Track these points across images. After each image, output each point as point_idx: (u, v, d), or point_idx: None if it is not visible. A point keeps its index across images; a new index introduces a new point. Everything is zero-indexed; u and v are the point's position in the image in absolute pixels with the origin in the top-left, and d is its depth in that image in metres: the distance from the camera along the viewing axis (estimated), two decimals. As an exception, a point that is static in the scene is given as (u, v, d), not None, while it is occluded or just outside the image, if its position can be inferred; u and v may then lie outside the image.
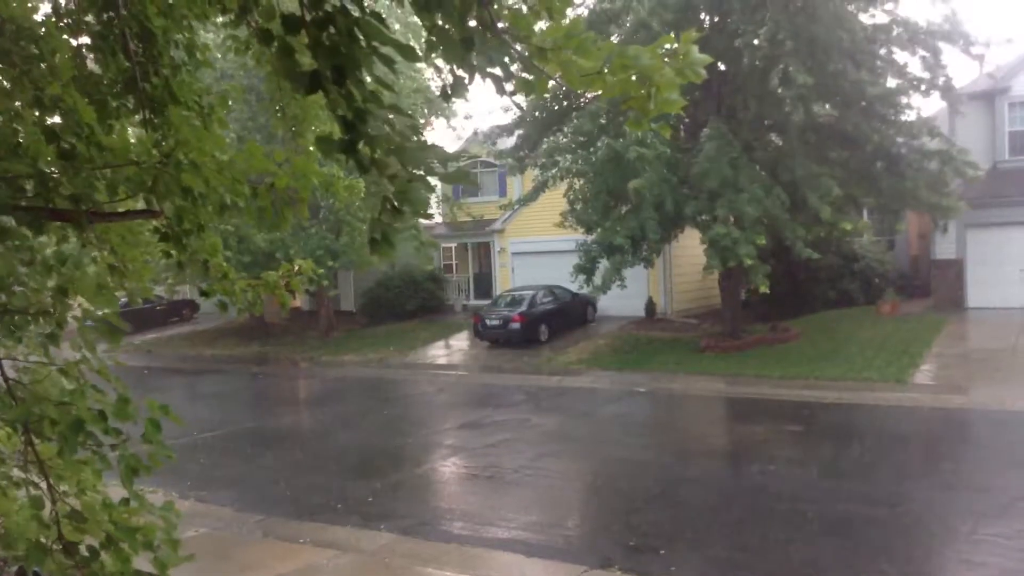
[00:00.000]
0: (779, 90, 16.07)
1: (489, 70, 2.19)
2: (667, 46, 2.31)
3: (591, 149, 17.93)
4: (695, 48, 2.31)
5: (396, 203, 2.14)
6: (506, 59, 2.21)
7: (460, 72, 2.21)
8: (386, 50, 2.11)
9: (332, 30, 2.01)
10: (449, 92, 2.28)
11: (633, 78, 2.26)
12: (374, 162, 2.08)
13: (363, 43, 2.04)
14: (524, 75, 2.33)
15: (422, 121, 27.50)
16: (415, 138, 2.16)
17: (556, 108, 21.23)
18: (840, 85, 16.54)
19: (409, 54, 2.17)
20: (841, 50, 16.22)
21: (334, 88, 2.01)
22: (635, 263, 19.38)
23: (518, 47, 2.24)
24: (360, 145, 2.06)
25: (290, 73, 2.08)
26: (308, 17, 2.01)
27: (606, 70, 2.27)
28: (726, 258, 17.00)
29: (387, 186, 2.10)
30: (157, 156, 3.05)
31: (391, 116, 2.13)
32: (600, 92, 2.37)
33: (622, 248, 18.05)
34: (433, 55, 2.21)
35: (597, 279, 18.75)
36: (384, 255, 2.28)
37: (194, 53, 3.65)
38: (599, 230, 18.64)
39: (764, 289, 17.29)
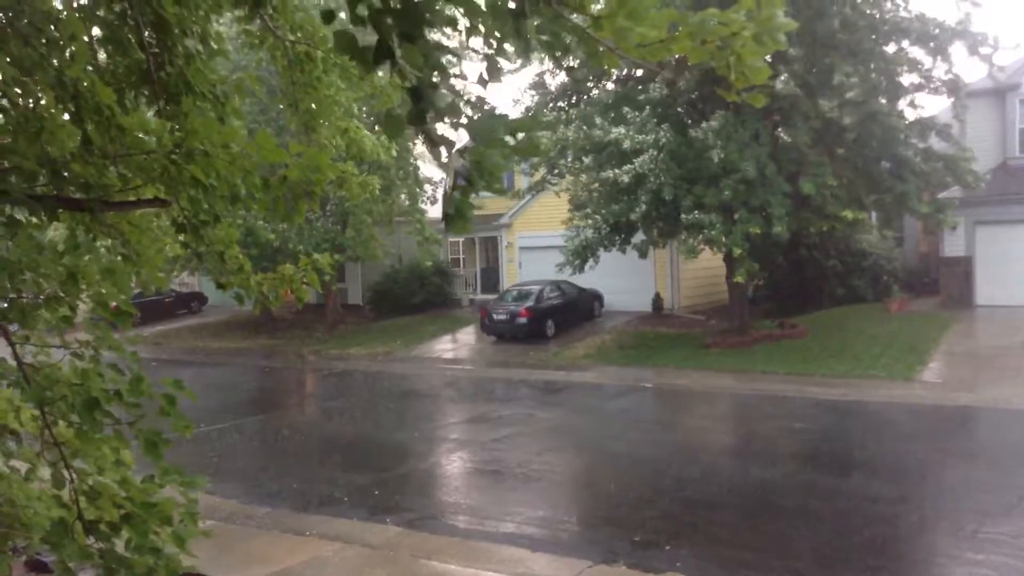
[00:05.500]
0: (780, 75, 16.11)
1: (544, 39, 2.09)
2: (747, 10, 2.13)
3: (591, 127, 18.21)
4: (779, 12, 2.10)
5: (468, 177, 2.08)
6: (559, 30, 2.11)
7: (510, 48, 2.10)
8: (451, 10, 2.04)
9: None
10: (486, 77, 2.21)
11: (717, 44, 2.11)
12: (442, 135, 2.03)
13: (427, 3, 1.97)
14: (584, 48, 2.20)
15: None
16: (483, 108, 2.11)
17: (564, 106, 21.22)
18: (835, 81, 16.48)
19: (473, 9, 2.08)
20: (843, 50, 16.17)
21: (406, 48, 1.93)
22: (614, 248, 19.66)
23: (573, 18, 2.13)
24: (428, 117, 2.00)
25: (353, 49, 2.01)
26: None
27: (669, 39, 2.11)
28: (708, 238, 17.67)
29: (457, 159, 2.05)
30: (169, 145, 3.06)
31: (461, 85, 2.07)
32: (664, 62, 2.26)
33: (600, 232, 18.73)
34: (472, 37, 2.13)
35: (573, 259, 19.09)
36: (459, 231, 2.22)
37: (208, 42, 3.65)
38: (587, 210, 19.08)
39: (739, 279, 17.93)
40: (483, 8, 2.10)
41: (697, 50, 2.16)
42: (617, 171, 17.55)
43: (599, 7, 2.14)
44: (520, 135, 2.11)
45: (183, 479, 3.07)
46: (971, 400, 13.96)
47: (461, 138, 2.19)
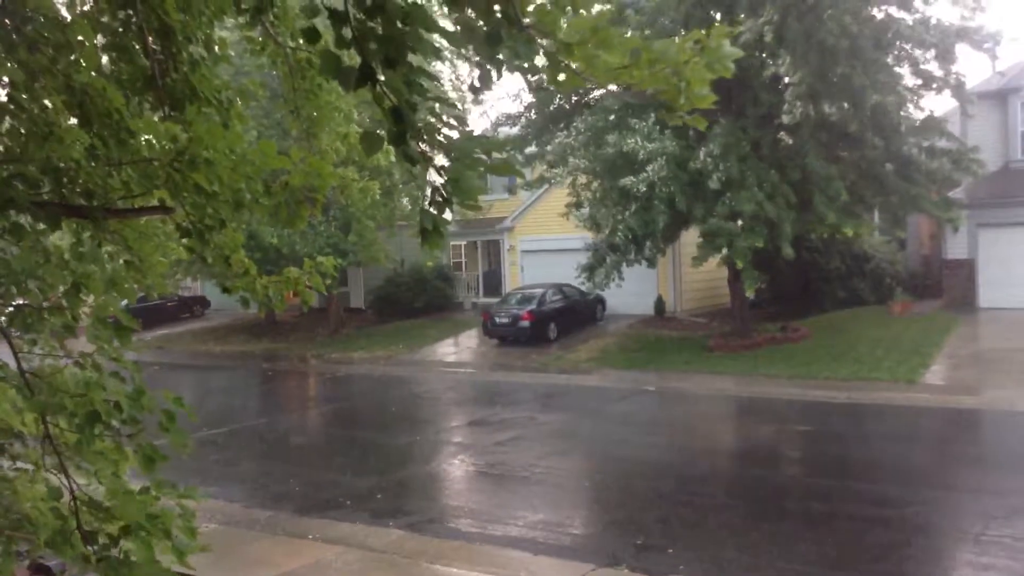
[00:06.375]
0: (784, 89, 16.08)
1: (517, 63, 2.20)
2: (696, 40, 2.32)
3: (601, 147, 17.98)
4: (727, 42, 2.32)
5: (445, 194, 2.15)
6: (532, 55, 2.22)
7: (488, 67, 2.22)
8: (432, 38, 2.12)
9: (381, 19, 2.02)
10: (478, 86, 2.29)
11: (668, 71, 2.28)
12: (422, 154, 2.10)
13: (410, 31, 2.05)
14: (551, 70, 2.33)
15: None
16: (462, 128, 2.18)
17: (566, 105, 21.21)
18: (845, 88, 16.49)
19: (454, 40, 2.17)
20: (846, 53, 16.18)
21: (388, 74, 2.01)
22: (634, 262, 19.45)
23: (544, 42, 2.24)
24: (408, 137, 2.08)
25: (337, 70, 2.08)
26: (353, 11, 2.03)
27: (631, 64, 2.27)
28: (719, 246, 17.53)
29: (436, 177, 2.12)
30: (172, 152, 3.08)
31: (437, 107, 2.14)
32: (628, 86, 2.38)
33: (620, 247, 18.36)
34: (463, 50, 2.22)
35: (599, 277, 18.88)
36: (434, 246, 2.31)
37: (212, 48, 3.66)
38: (605, 230, 18.78)
39: (750, 294, 17.59)
40: (459, 37, 2.18)
41: (653, 76, 2.32)
42: (633, 178, 17.44)
43: (571, 34, 2.26)
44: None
45: (179, 492, 3.08)
46: (975, 403, 13.94)
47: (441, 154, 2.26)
